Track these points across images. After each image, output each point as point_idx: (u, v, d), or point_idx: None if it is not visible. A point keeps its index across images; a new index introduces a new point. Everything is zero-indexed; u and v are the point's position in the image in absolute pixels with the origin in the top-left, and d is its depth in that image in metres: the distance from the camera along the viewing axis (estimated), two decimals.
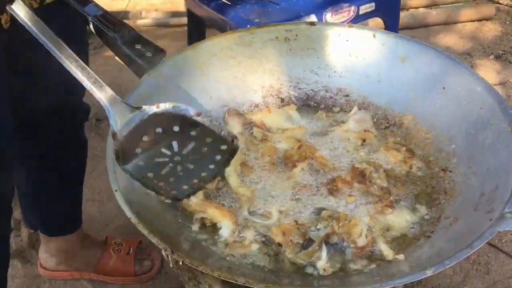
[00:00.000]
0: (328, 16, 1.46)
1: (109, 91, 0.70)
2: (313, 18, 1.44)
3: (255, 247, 0.69)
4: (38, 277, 1.53)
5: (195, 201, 0.72)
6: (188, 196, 0.75)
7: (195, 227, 0.72)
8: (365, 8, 1.52)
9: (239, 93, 0.95)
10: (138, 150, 0.69)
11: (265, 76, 0.96)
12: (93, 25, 0.85)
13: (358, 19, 1.53)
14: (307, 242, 0.68)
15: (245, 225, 0.72)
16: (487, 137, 0.76)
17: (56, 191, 1.36)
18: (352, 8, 1.50)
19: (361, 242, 0.68)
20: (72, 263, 1.48)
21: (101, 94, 0.70)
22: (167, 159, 0.71)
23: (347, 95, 0.95)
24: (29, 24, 0.72)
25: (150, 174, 0.71)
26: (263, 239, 0.70)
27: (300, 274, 0.66)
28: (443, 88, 0.85)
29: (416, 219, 0.74)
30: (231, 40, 0.94)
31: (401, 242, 0.71)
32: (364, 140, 0.86)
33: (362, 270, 0.66)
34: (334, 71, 0.96)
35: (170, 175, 0.72)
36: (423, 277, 0.55)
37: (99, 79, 0.71)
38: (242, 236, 0.70)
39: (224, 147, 0.72)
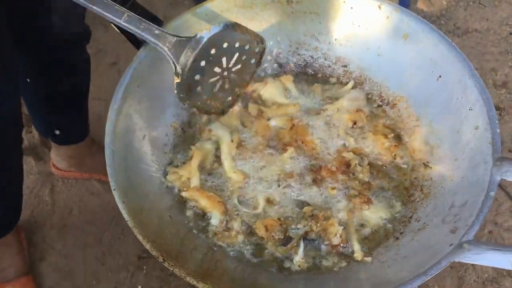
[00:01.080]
0: None
1: (160, 32, 0.75)
2: None
3: (240, 238, 0.77)
4: (51, 174, 1.66)
5: (188, 193, 0.79)
6: (232, 105, 0.87)
7: (189, 213, 0.80)
8: None
9: None
10: (197, 77, 0.77)
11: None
12: None
13: None
14: (287, 240, 0.76)
15: (233, 215, 0.79)
16: (470, 143, 0.78)
17: (62, 106, 1.41)
18: None
19: (335, 240, 0.76)
20: (81, 167, 1.60)
21: (155, 39, 0.75)
22: (218, 77, 0.80)
23: (346, 66, 0.95)
24: None
25: (205, 96, 0.81)
26: (248, 230, 0.78)
27: (278, 268, 0.75)
28: (440, 76, 0.85)
29: (389, 215, 0.80)
30: (231, 2, 0.91)
31: (372, 240, 0.78)
32: (355, 123, 0.88)
33: (332, 268, 0.75)
34: (335, 39, 0.94)
35: (221, 90, 0.82)
36: None
37: (149, 23, 0.75)
38: (229, 227, 0.78)
39: (257, 49, 0.82)
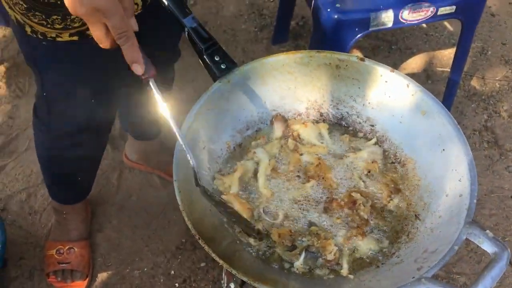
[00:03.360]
0: (405, 13, 1.58)
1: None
2: (390, 13, 1.57)
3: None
4: (121, 162, 1.96)
5: (227, 197, 1.04)
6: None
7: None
8: (444, 10, 1.62)
9: (288, 102, 1.19)
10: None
11: (313, 92, 1.19)
12: (187, 34, 1.10)
13: (435, 19, 1.63)
14: (293, 247, 0.99)
15: (257, 219, 1.03)
16: (452, 206, 0.98)
17: (145, 109, 1.71)
18: (431, 8, 1.60)
19: (330, 257, 0.98)
20: (148, 162, 1.89)
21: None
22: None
23: (373, 125, 1.17)
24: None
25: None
26: (266, 234, 1.01)
27: (280, 267, 0.98)
28: (443, 150, 1.06)
29: (378, 249, 1.01)
30: (292, 59, 1.16)
31: (358, 263, 0.99)
32: (369, 171, 1.10)
33: (322, 277, 0.97)
34: (369, 102, 1.17)
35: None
36: None
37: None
38: None
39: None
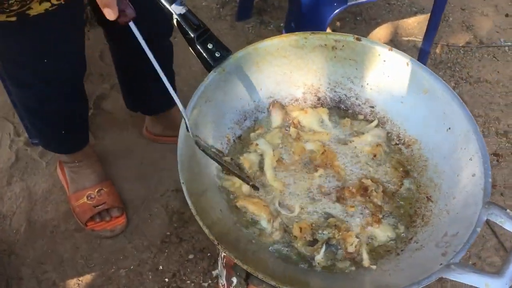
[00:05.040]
0: None
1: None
2: None
3: (278, 235, 0.96)
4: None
5: (239, 203, 0.99)
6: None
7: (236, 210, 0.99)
8: None
9: (284, 88, 1.14)
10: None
11: (309, 76, 1.14)
12: (176, 22, 1.02)
13: None
14: (313, 241, 0.95)
15: (276, 215, 0.98)
16: (466, 186, 0.97)
17: (147, 81, 1.58)
18: None
19: (351, 249, 0.95)
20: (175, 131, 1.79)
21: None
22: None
23: (373, 107, 1.14)
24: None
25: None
26: (284, 229, 0.97)
27: (303, 263, 0.94)
28: (449, 128, 1.04)
29: (394, 235, 0.99)
30: (287, 42, 1.10)
31: (378, 252, 0.97)
32: (375, 155, 1.07)
33: (344, 270, 0.94)
34: (367, 83, 1.13)
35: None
36: None
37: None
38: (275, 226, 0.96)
39: None
